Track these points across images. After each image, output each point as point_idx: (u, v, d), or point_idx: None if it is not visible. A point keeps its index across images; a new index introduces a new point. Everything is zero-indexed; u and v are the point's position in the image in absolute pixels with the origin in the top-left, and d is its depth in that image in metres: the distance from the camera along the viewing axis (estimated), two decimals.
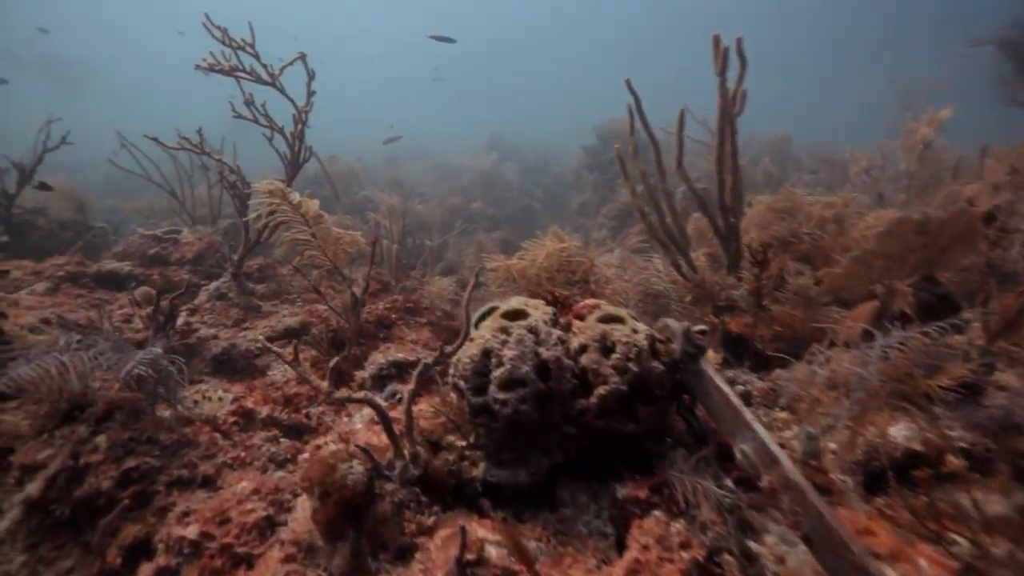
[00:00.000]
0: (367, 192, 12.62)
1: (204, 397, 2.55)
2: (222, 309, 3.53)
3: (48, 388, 1.85)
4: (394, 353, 2.90)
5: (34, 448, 1.92)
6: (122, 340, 2.12)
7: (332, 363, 2.01)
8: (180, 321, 3.24)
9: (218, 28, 2.87)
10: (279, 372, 3.20)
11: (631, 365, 1.80)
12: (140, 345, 3.14)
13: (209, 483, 1.95)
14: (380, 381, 2.71)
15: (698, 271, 3.39)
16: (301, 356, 3.36)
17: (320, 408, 2.79)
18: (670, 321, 1.96)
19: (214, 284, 3.81)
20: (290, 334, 3.46)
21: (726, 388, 1.69)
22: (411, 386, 1.78)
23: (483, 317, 2.29)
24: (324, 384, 1.69)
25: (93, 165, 12.14)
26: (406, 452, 1.73)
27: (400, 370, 2.81)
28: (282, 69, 3.46)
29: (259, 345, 3.28)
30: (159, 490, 1.87)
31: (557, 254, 3.07)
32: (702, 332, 1.87)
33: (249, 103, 3.42)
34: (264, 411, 2.58)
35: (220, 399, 2.58)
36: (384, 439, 2.27)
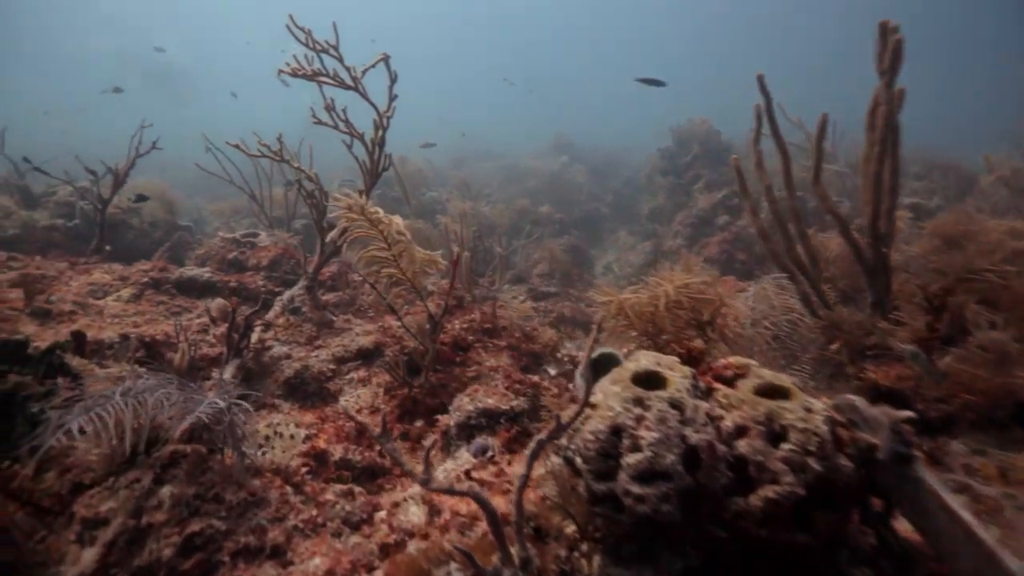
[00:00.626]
0: (435, 193, 12.53)
1: (276, 433, 2.31)
2: (295, 324, 3.34)
3: (106, 440, 1.64)
4: (483, 398, 2.56)
5: (97, 497, 1.72)
6: (187, 381, 1.89)
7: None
8: (254, 338, 3.06)
9: (301, 30, 2.64)
10: (351, 397, 2.95)
11: (811, 462, 1.35)
12: (215, 362, 2.98)
13: (279, 553, 1.68)
14: (467, 431, 2.38)
15: (832, 307, 2.83)
16: (375, 381, 3.12)
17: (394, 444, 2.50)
18: (857, 400, 1.49)
19: (288, 294, 3.63)
20: (364, 355, 3.21)
21: (964, 514, 1.22)
22: (522, 470, 1.41)
23: (598, 365, 1.89)
24: (418, 468, 1.37)
25: (182, 166, 12.76)
26: (514, 555, 1.38)
27: (490, 420, 2.46)
28: (364, 72, 3.21)
29: (331, 367, 3.05)
30: (224, 560, 1.61)
31: (681, 290, 2.61)
32: (910, 421, 1.40)
33: (330, 109, 3.20)
34: (337, 452, 2.31)
35: (292, 436, 2.33)
36: (474, 507, 1.93)
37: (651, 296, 2.68)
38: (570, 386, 3.34)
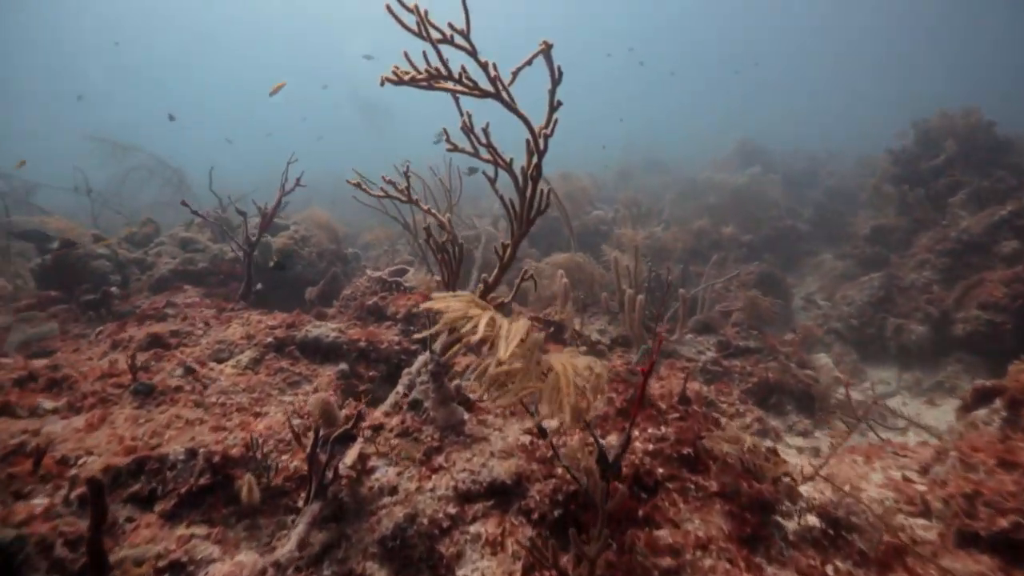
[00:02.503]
0: (600, 211, 11.30)
1: None
2: (413, 428, 2.38)
3: None
4: None
5: None
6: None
7: None
8: (353, 455, 2.16)
9: (412, 11, 1.66)
10: (472, 571, 1.86)
11: None
12: (300, 484, 2.15)
13: None
14: None
15: None
16: (510, 543, 1.99)
17: None
18: None
19: (407, 379, 2.72)
20: (498, 491, 2.11)
21: None
22: None
23: None
24: None
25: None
26: None
27: None
28: (516, 73, 2.14)
29: (449, 512, 2.00)
30: None
31: None
32: None
33: (467, 129, 2.20)
34: None
35: None
36: None
37: None
38: None
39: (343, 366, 3.19)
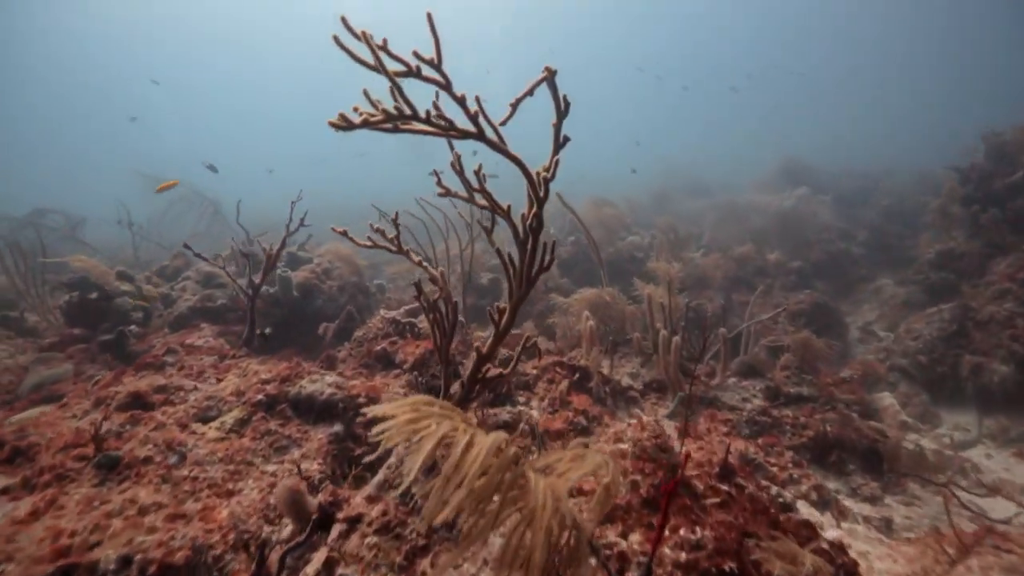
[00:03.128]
0: (635, 237, 10.81)
1: None
2: (396, 520, 2.00)
3: None
4: None
5: None
6: None
7: None
8: (318, 563, 1.79)
9: (363, 39, 1.30)
10: None
11: None
12: None
13: None
14: None
15: None
16: None
17: None
18: None
19: (395, 459, 2.35)
20: None
21: None
22: None
23: None
24: None
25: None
26: None
27: None
28: (516, 105, 1.79)
29: None
30: None
31: None
32: None
33: (459, 173, 1.86)
34: None
35: None
36: None
37: None
38: None
39: (337, 428, 2.86)
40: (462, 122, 1.53)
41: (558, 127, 1.81)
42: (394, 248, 2.27)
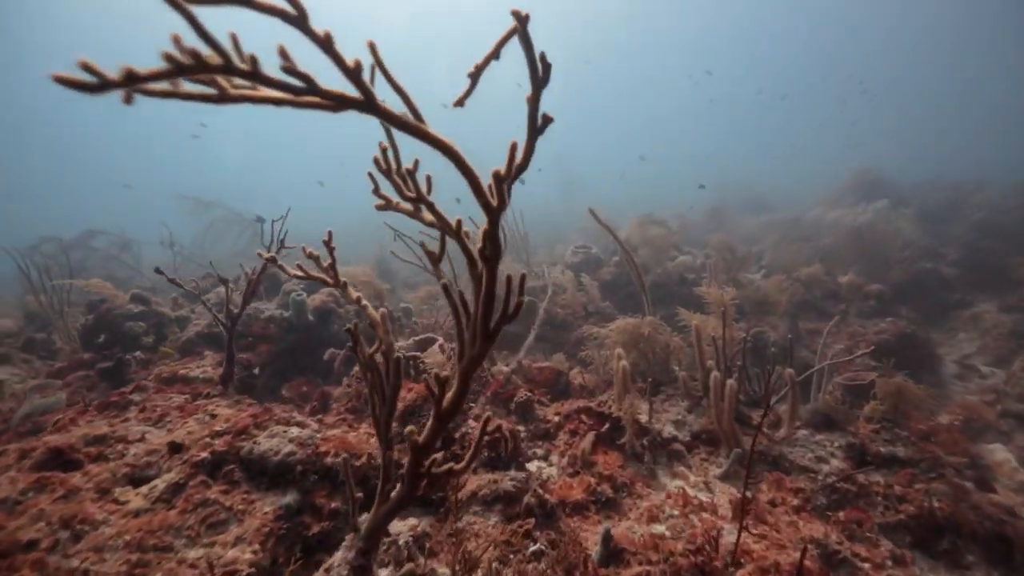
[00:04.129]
0: (687, 256, 9.86)
1: None
2: None
3: None
4: None
5: None
6: None
7: None
8: None
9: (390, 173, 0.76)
10: None
11: None
12: None
13: None
14: None
15: None
16: None
17: None
18: None
19: (339, 557, 1.72)
20: None
21: None
22: None
23: None
24: None
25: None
26: None
27: None
28: (470, 87, 1.17)
29: None
30: None
31: None
32: None
33: (387, 173, 1.24)
34: None
35: None
36: None
37: None
38: None
39: (290, 498, 2.28)
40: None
41: (534, 101, 1.17)
42: (330, 280, 1.68)
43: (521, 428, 3.68)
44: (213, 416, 2.85)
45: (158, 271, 3.30)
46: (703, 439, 4.01)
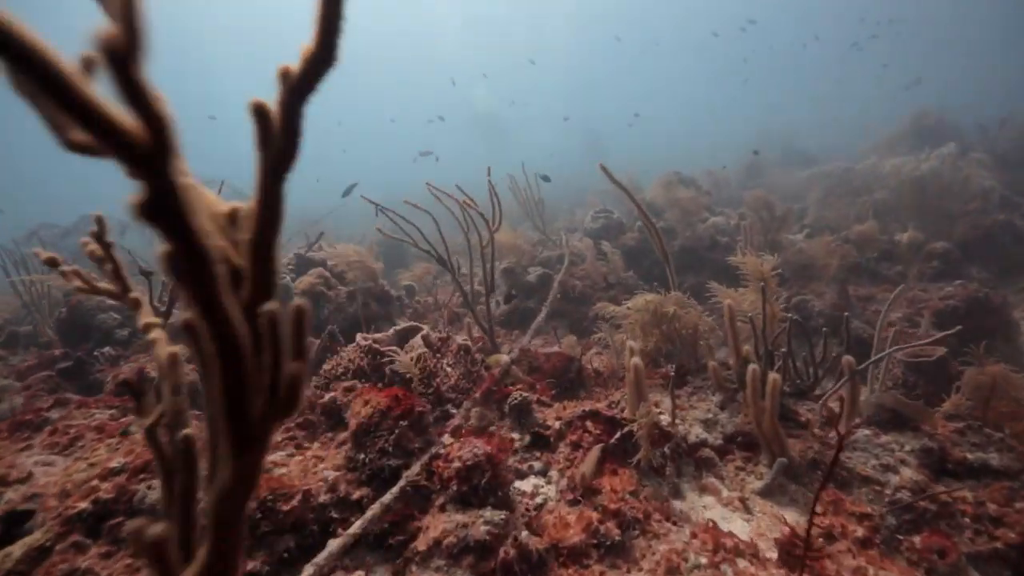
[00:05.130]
0: (718, 217, 8.89)
1: None
2: None
3: None
4: None
5: None
6: None
7: None
8: None
9: None
10: None
11: None
12: None
13: None
14: None
15: None
16: None
17: None
18: None
19: None
20: None
21: None
22: None
23: None
24: None
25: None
26: None
27: None
28: None
29: None
30: None
31: None
32: None
33: None
34: None
35: None
36: None
37: None
38: None
39: None
40: None
41: None
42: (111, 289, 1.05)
43: (515, 436, 3.06)
44: (117, 447, 2.32)
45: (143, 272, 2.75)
46: (739, 442, 3.30)
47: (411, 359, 2.97)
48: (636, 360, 2.68)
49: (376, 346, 3.28)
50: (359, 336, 3.43)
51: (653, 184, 9.47)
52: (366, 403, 2.45)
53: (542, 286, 7.10)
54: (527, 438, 3.03)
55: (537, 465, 2.91)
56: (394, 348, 3.28)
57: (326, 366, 3.34)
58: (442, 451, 2.36)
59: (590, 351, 5.94)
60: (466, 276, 4.87)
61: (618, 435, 2.82)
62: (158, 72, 0.52)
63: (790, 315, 3.46)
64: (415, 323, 3.78)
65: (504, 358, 3.93)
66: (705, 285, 7.19)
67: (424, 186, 4.39)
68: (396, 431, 2.36)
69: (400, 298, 6.37)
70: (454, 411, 2.98)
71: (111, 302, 4.92)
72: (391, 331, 3.67)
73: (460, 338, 3.64)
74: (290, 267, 5.82)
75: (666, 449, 3.00)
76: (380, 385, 2.88)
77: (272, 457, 2.37)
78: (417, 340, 3.47)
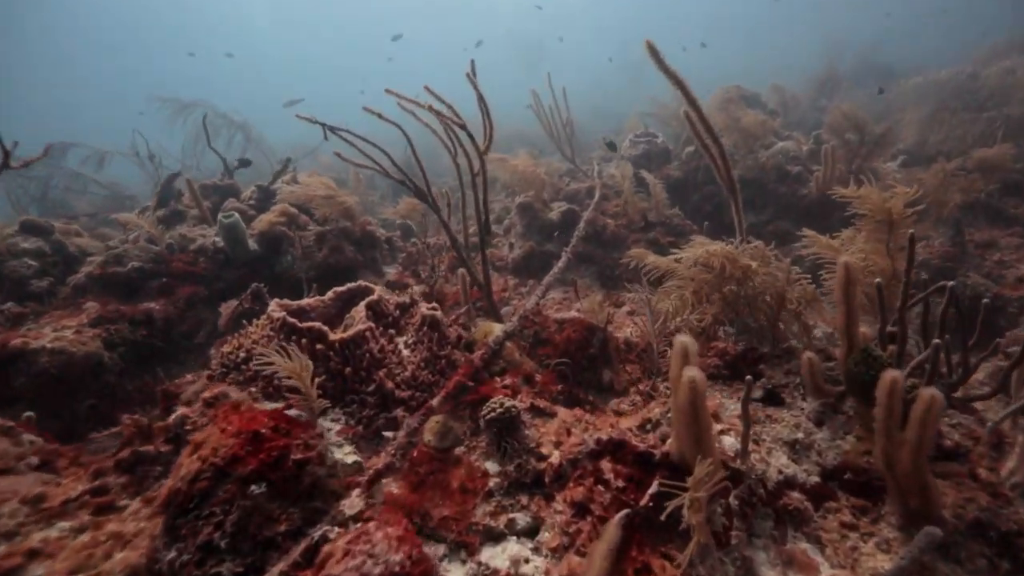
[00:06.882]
0: (787, 142, 7.16)
1: None
2: None
3: None
4: None
5: None
6: None
7: None
8: None
9: None
10: None
11: None
12: None
13: None
14: None
15: None
16: None
17: None
18: None
19: None
20: None
21: None
22: None
23: None
24: None
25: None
26: None
27: None
28: None
29: None
30: None
31: None
32: None
33: None
34: None
35: None
36: None
37: None
38: None
39: None
40: None
41: None
42: None
43: (495, 468, 1.95)
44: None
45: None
46: (846, 480, 2.08)
47: (289, 368, 1.80)
48: (693, 374, 1.46)
49: (292, 320, 2.16)
50: (273, 303, 2.32)
51: (708, 103, 7.71)
52: (198, 448, 1.35)
53: (566, 225, 5.79)
54: (510, 470, 1.92)
55: (523, 519, 1.81)
56: (316, 325, 2.15)
57: (225, 348, 2.27)
58: (327, 540, 1.26)
59: (622, 307, 4.70)
60: (459, 212, 3.60)
61: (653, 487, 1.65)
62: None
63: (948, 283, 2.10)
64: (368, 285, 2.62)
65: (496, 330, 2.77)
66: (769, 228, 5.64)
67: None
68: (242, 505, 1.25)
69: (391, 240, 5.22)
70: (388, 435, 1.87)
71: (26, 244, 3.98)
72: (330, 294, 2.54)
73: (425, 306, 2.47)
74: (250, 202, 4.71)
75: (732, 498, 1.83)
76: (261, 398, 1.78)
77: (42, 534, 1.33)
78: (360, 309, 2.33)
